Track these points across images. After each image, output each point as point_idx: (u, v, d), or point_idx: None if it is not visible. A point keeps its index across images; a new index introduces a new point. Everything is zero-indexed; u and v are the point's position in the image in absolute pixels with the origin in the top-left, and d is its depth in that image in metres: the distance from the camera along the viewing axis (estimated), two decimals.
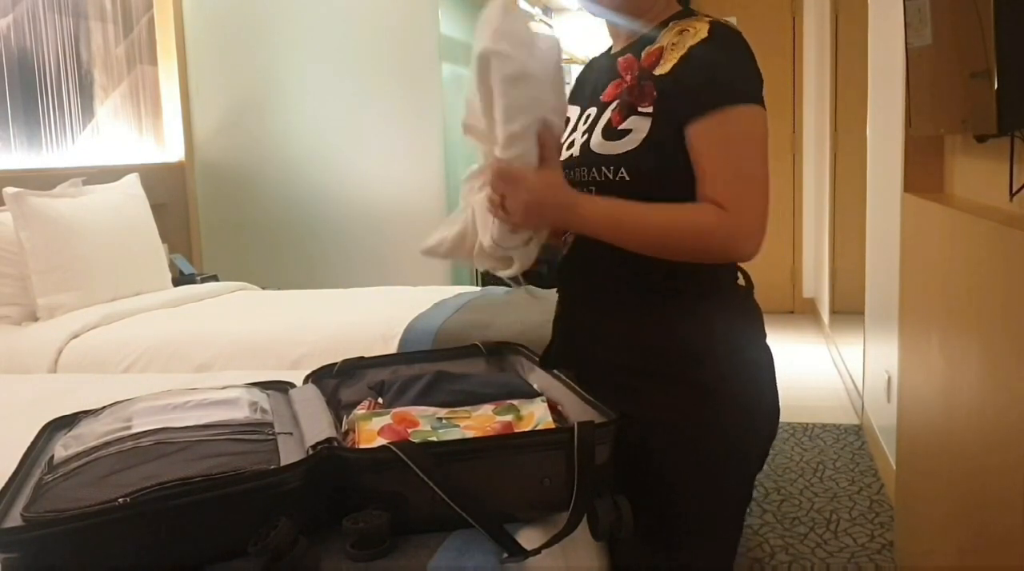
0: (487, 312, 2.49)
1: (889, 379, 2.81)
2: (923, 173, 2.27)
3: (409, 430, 1.17)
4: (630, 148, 1.25)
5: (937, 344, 1.95)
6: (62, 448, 1.18)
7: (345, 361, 1.50)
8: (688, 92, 1.23)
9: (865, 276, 3.59)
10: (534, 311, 2.37)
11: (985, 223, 1.62)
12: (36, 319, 2.66)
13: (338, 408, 1.34)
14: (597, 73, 1.41)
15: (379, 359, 1.54)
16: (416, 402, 1.27)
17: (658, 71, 1.26)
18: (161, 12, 3.80)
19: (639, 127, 1.25)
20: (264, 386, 1.45)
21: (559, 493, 1.09)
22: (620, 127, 1.27)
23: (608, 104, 1.31)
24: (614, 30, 1.40)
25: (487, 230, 1.29)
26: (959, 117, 1.66)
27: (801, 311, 5.85)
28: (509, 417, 1.21)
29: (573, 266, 1.39)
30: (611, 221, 1.25)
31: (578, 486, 1.08)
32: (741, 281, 1.36)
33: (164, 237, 3.31)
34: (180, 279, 3.36)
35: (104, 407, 1.35)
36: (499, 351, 1.56)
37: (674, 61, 1.25)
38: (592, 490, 1.09)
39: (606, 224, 1.25)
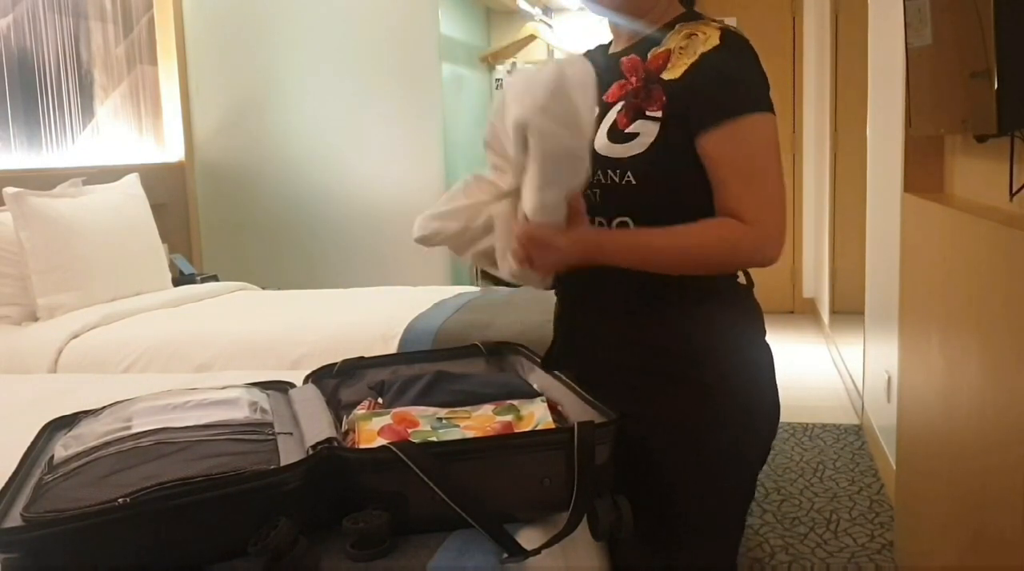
0: (487, 312, 2.49)
1: (889, 379, 2.81)
2: (923, 173, 2.27)
3: (409, 430, 1.17)
4: (638, 152, 1.25)
5: (937, 344, 1.95)
6: (62, 448, 1.18)
7: (345, 361, 1.50)
8: (702, 100, 1.22)
9: (865, 276, 3.59)
10: (534, 311, 2.37)
11: (985, 223, 1.62)
12: (36, 319, 2.66)
13: (338, 408, 1.34)
14: (597, 72, 1.40)
15: (379, 359, 1.53)
16: (416, 402, 1.27)
17: (667, 75, 1.26)
18: (161, 12, 3.80)
19: (647, 131, 1.25)
20: (264, 386, 1.45)
21: (559, 493, 1.09)
22: (627, 130, 1.26)
23: (612, 105, 1.30)
24: (615, 29, 1.39)
25: (506, 259, 1.27)
26: (959, 117, 1.66)
27: (801, 311, 5.85)
28: (509, 417, 1.21)
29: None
30: (636, 255, 1.25)
31: (578, 486, 1.08)
32: (742, 280, 1.36)
33: (164, 237, 3.31)
34: (180, 279, 3.36)
35: (104, 407, 1.35)
36: (499, 351, 1.56)
37: (684, 67, 1.24)
38: (592, 490, 1.09)
39: (631, 258, 1.25)
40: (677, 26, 1.30)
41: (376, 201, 3.83)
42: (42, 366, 2.40)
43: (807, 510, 2.82)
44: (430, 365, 1.46)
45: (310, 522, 1.02)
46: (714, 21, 1.29)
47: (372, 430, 1.16)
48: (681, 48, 1.26)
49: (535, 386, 1.38)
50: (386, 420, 1.19)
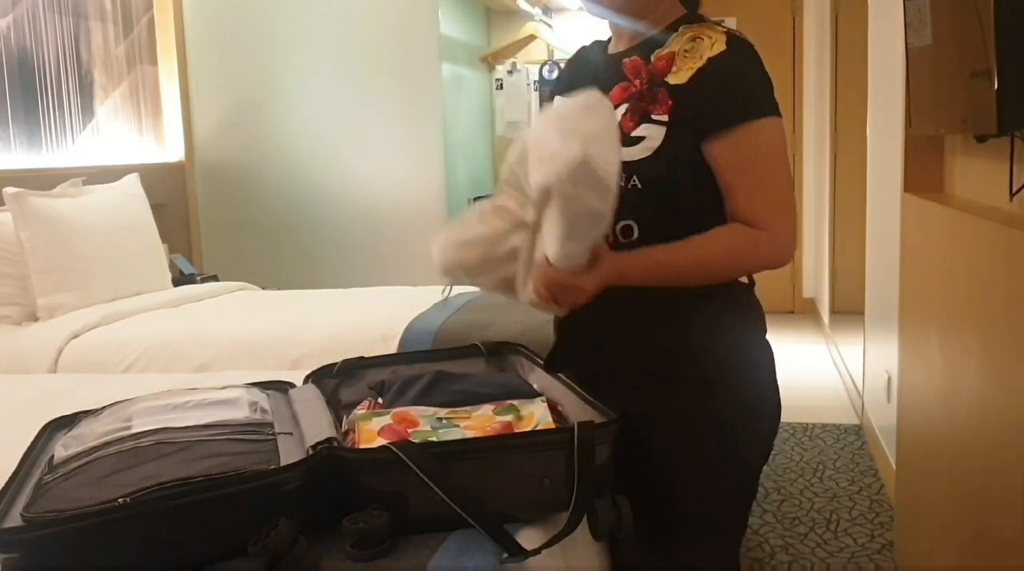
0: (487, 312, 2.49)
1: (889, 379, 2.81)
2: (923, 173, 2.27)
3: (409, 430, 1.17)
4: (644, 156, 1.24)
5: (937, 344, 1.95)
6: (62, 448, 1.18)
7: (345, 361, 1.50)
8: (710, 105, 1.22)
9: (865, 276, 3.59)
10: (534, 311, 2.36)
11: (985, 223, 1.62)
12: (36, 319, 2.66)
13: (338, 408, 1.34)
14: (595, 69, 1.40)
15: (379, 359, 1.54)
16: (416, 402, 1.27)
17: (672, 79, 1.25)
18: (161, 12, 3.80)
19: (653, 135, 1.25)
20: (264, 386, 1.45)
21: (559, 493, 1.09)
22: (633, 134, 1.26)
23: (615, 107, 1.30)
24: (616, 30, 1.38)
25: (526, 288, 1.25)
26: (959, 117, 1.66)
27: (801, 311, 5.85)
28: (509, 417, 1.21)
29: None
30: (656, 274, 1.25)
31: (578, 486, 1.08)
32: (743, 279, 1.36)
33: (164, 237, 3.31)
34: (180, 279, 3.36)
35: (104, 407, 1.35)
36: (499, 351, 1.56)
37: (691, 71, 1.24)
38: (592, 490, 1.09)
39: (652, 278, 1.25)
40: (680, 28, 1.29)
41: (376, 201, 3.83)
42: (42, 366, 2.40)
43: (807, 510, 2.82)
44: (430, 365, 1.46)
45: (310, 522, 1.02)
46: (717, 24, 1.28)
47: (372, 430, 1.16)
48: (686, 51, 1.26)
49: (535, 386, 1.38)
50: (386, 420, 1.19)
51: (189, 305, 2.91)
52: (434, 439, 1.14)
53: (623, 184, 1.25)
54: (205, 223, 3.98)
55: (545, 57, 5.28)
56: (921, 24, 1.87)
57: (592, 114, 1.12)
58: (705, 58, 1.23)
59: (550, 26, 5.41)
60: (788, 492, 2.96)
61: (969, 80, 1.53)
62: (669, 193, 1.26)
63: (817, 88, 5.44)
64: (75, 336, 2.47)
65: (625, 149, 1.25)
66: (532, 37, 5.25)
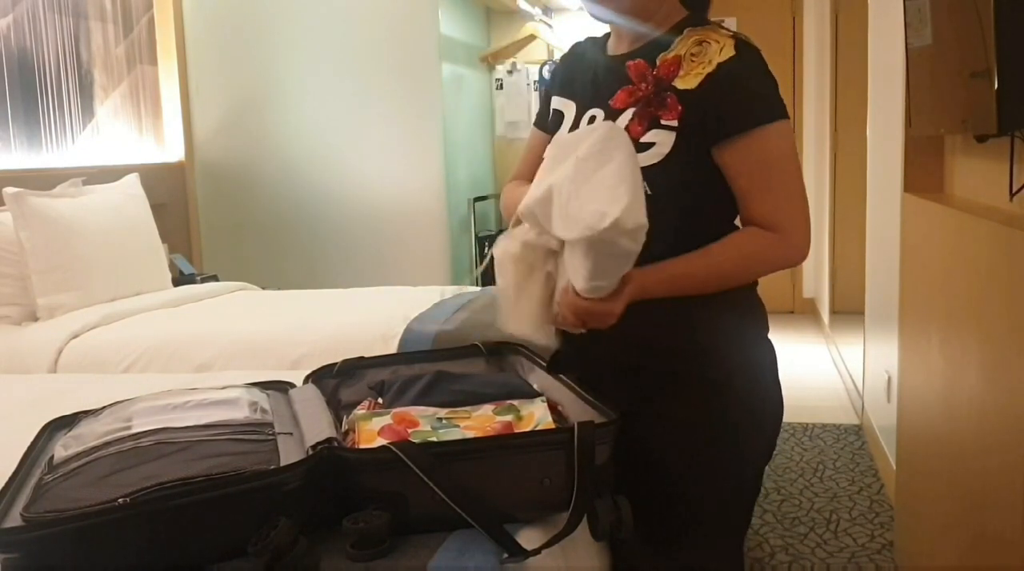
0: (487, 312, 2.49)
1: (889, 379, 2.81)
2: (923, 173, 2.27)
3: (409, 430, 1.17)
4: (654, 162, 1.24)
5: (937, 344, 1.95)
6: (62, 448, 1.18)
7: (345, 361, 1.50)
8: (721, 111, 1.22)
9: (865, 276, 3.59)
10: None
11: (985, 223, 1.62)
12: (36, 319, 2.65)
13: (338, 408, 1.34)
14: (594, 69, 1.39)
15: (379, 359, 1.54)
16: (416, 402, 1.27)
17: (681, 84, 1.25)
18: (161, 12, 3.80)
19: (663, 141, 1.24)
20: (264, 386, 1.45)
21: (559, 493, 1.09)
22: (642, 140, 1.25)
23: (620, 111, 1.29)
24: (617, 31, 1.38)
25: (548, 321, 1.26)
26: (959, 117, 1.66)
27: (801, 311, 5.85)
28: (509, 417, 1.21)
29: None
30: (676, 286, 1.26)
31: (578, 486, 1.08)
32: None
33: (164, 237, 3.31)
34: (180, 279, 3.36)
35: (104, 407, 1.35)
36: (499, 351, 1.56)
37: (700, 76, 1.23)
38: (592, 490, 1.09)
39: (672, 289, 1.26)
40: (685, 31, 1.29)
41: (376, 201, 3.83)
42: (42, 366, 2.40)
43: (807, 510, 2.82)
44: (430, 365, 1.46)
45: (310, 522, 1.02)
46: (722, 27, 1.28)
47: (372, 430, 1.16)
48: (693, 55, 1.25)
49: (535, 386, 1.38)
50: (386, 420, 1.19)
51: (189, 305, 2.91)
52: (434, 439, 1.14)
53: None
54: (205, 223, 3.98)
55: (545, 57, 5.28)
56: (921, 24, 1.87)
57: (613, 149, 1.11)
58: (715, 63, 1.23)
59: (550, 26, 5.41)
60: (788, 492, 2.96)
61: (969, 80, 1.53)
62: (678, 198, 1.25)
63: (817, 88, 5.44)
64: (75, 336, 2.47)
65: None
66: (532, 37, 5.25)
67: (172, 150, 3.88)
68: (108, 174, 3.14)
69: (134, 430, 1.19)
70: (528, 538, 1.06)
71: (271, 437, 1.19)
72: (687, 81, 1.24)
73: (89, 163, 3.29)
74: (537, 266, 1.24)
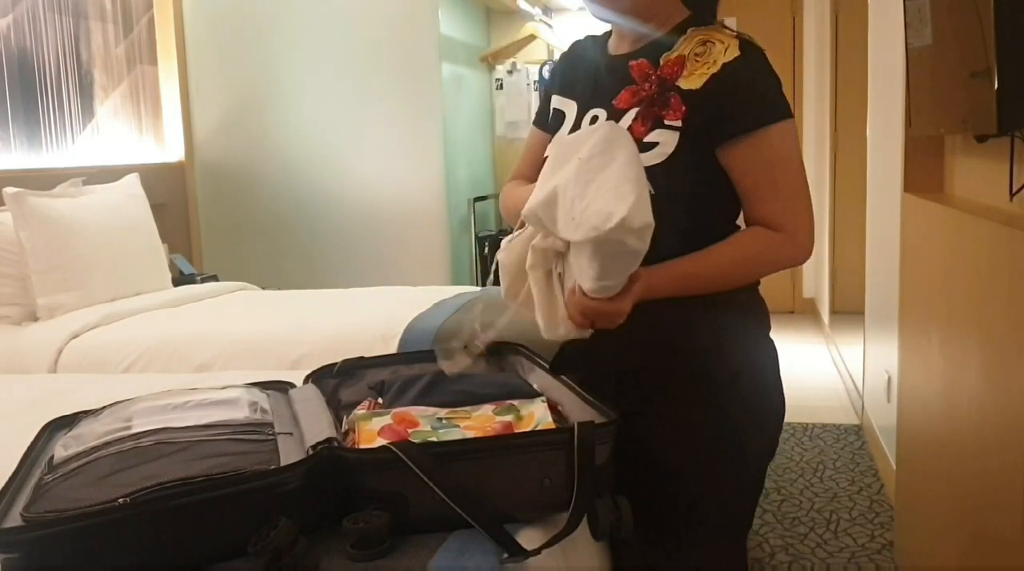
0: (487, 312, 2.48)
1: (889, 379, 2.81)
2: (923, 173, 2.27)
3: (409, 430, 1.17)
4: (657, 162, 1.24)
5: (937, 344, 1.95)
6: (62, 448, 1.18)
7: (345, 361, 1.50)
8: (726, 111, 1.22)
9: (865, 276, 3.59)
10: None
11: (985, 223, 1.62)
12: (36, 319, 2.65)
13: (338, 408, 1.34)
14: (595, 69, 1.39)
15: (379, 359, 1.53)
16: (416, 402, 1.27)
17: (685, 84, 1.25)
18: (161, 12, 3.80)
19: (666, 141, 1.24)
20: (264, 386, 1.45)
21: (559, 493, 1.09)
22: (645, 140, 1.25)
23: (623, 112, 1.29)
24: (618, 31, 1.38)
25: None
26: (959, 117, 1.66)
27: (801, 311, 5.85)
28: (509, 417, 1.21)
29: None
30: (682, 285, 1.26)
31: (578, 486, 1.08)
32: None
33: (164, 237, 3.31)
34: (180, 279, 3.36)
35: (104, 407, 1.35)
36: (499, 351, 1.56)
37: (704, 77, 1.23)
38: (592, 490, 1.09)
39: (677, 289, 1.26)
40: (689, 31, 1.29)
41: (376, 201, 3.83)
42: (42, 366, 2.40)
43: (807, 510, 2.82)
44: (430, 365, 1.46)
45: (310, 522, 1.02)
46: (725, 28, 1.28)
47: (372, 430, 1.16)
48: (696, 55, 1.25)
49: (535, 386, 1.38)
50: (386, 420, 1.19)
51: (189, 305, 2.91)
52: (434, 439, 1.14)
53: None
54: (205, 223, 3.98)
55: (545, 57, 5.28)
56: (921, 24, 1.87)
57: (616, 149, 1.11)
58: (719, 64, 1.23)
59: (550, 26, 5.41)
60: (788, 492, 2.96)
61: (969, 80, 1.53)
62: (682, 199, 1.25)
63: (817, 88, 5.44)
64: (75, 336, 2.47)
65: None
66: (532, 37, 5.25)
67: (172, 150, 3.88)
68: (108, 174, 3.14)
69: (134, 430, 1.19)
70: (528, 538, 1.06)
71: (271, 437, 1.19)
72: (691, 81, 1.24)
73: (89, 163, 3.29)
74: (550, 269, 1.25)
